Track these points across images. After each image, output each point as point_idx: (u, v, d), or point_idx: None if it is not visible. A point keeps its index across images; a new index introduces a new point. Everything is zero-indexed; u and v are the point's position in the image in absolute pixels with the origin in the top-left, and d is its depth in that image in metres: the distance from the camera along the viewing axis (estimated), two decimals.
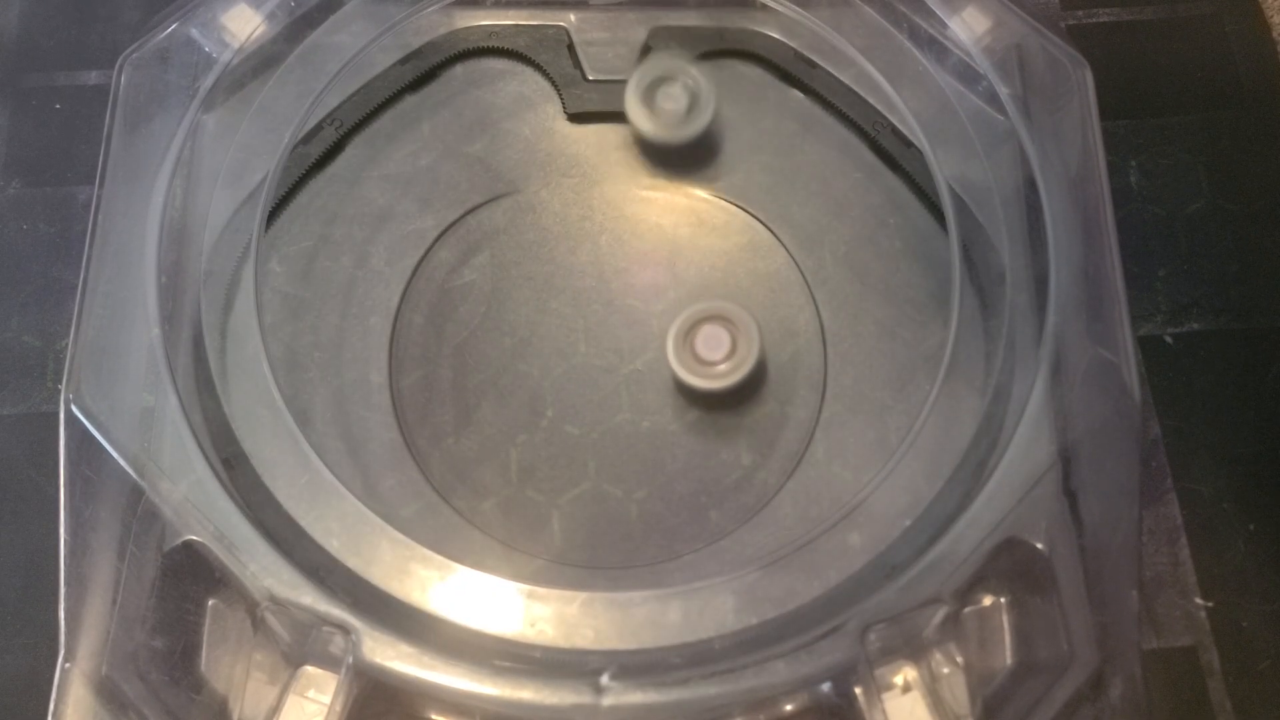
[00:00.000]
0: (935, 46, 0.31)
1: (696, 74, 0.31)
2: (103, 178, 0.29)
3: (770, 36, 0.33)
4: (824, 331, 0.31)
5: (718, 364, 0.29)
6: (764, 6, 0.33)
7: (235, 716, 0.26)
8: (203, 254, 0.29)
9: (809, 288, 0.31)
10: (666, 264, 0.31)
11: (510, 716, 0.25)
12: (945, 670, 0.26)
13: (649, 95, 0.31)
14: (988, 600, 0.27)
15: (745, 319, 0.29)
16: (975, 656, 0.26)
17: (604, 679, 0.24)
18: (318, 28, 0.31)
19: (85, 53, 0.35)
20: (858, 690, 0.25)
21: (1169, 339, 0.32)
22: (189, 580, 0.26)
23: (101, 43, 0.35)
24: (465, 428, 0.30)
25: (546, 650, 0.25)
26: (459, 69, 0.34)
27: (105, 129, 0.29)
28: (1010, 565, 0.26)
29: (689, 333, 0.29)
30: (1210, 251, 0.33)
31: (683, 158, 0.33)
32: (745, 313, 0.29)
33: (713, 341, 0.29)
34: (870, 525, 0.27)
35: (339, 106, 0.32)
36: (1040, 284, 0.29)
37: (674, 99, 0.31)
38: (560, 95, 0.33)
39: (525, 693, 0.24)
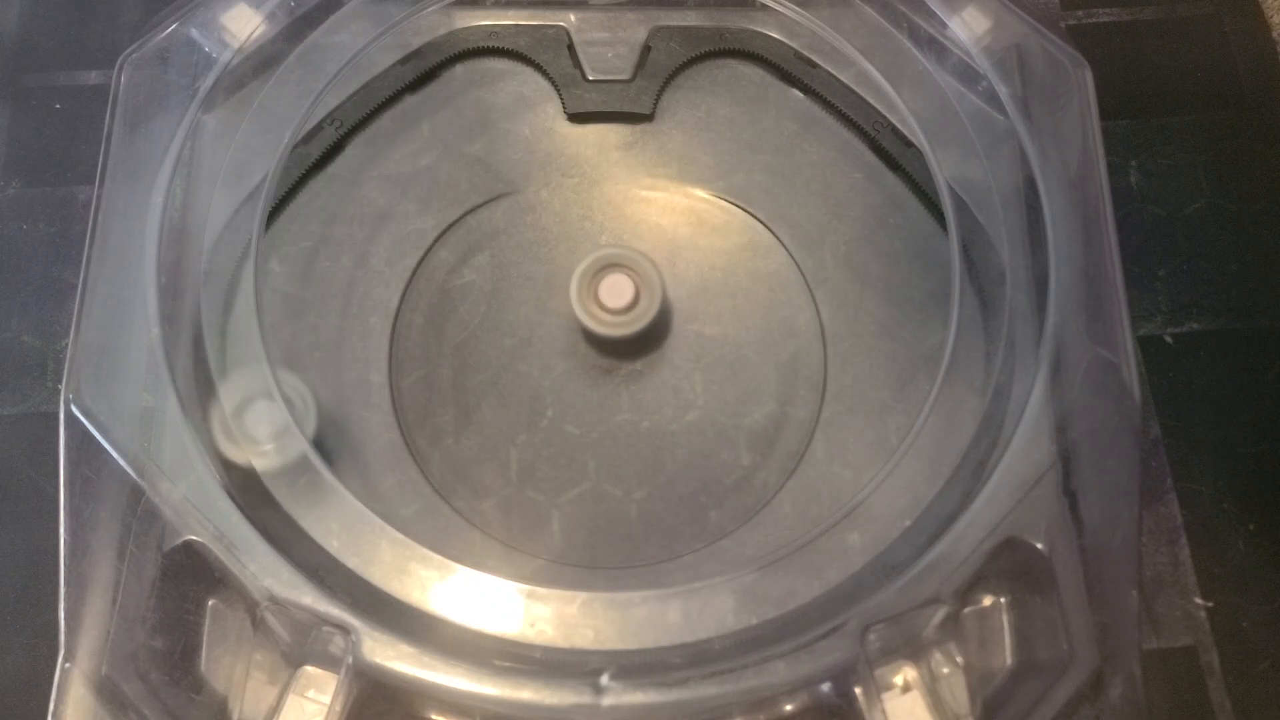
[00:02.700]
0: (935, 46, 0.31)
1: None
2: (103, 178, 0.29)
3: (770, 36, 0.33)
4: (824, 331, 0.31)
5: (621, 312, 0.29)
6: (764, 6, 0.33)
7: (235, 716, 0.26)
8: (203, 254, 0.29)
9: (809, 288, 0.31)
10: (667, 264, 0.31)
11: (510, 716, 0.25)
12: (945, 670, 0.26)
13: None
14: (988, 600, 0.27)
15: (647, 267, 0.29)
16: (975, 656, 0.26)
17: (604, 679, 0.24)
18: (318, 28, 0.31)
19: (85, 53, 0.35)
20: (858, 690, 0.25)
21: (1169, 339, 0.32)
22: (189, 580, 0.26)
23: (101, 43, 0.35)
24: (465, 428, 0.30)
25: (546, 650, 0.25)
26: (459, 69, 0.34)
27: (105, 129, 0.29)
28: (1010, 565, 0.26)
29: (593, 279, 0.29)
30: (1210, 251, 0.33)
31: (683, 158, 0.33)
32: (647, 260, 0.29)
33: (616, 290, 0.29)
34: (870, 525, 0.27)
35: (339, 106, 0.32)
36: (1040, 284, 0.29)
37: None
38: (560, 95, 0.33)
39: (525, 693, 0.24)
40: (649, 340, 0.30)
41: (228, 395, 0.27)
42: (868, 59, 0.31)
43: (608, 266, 0.29)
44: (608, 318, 0.29)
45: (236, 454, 0.27)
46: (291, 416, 0.27)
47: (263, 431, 0.27)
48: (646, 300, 0.29)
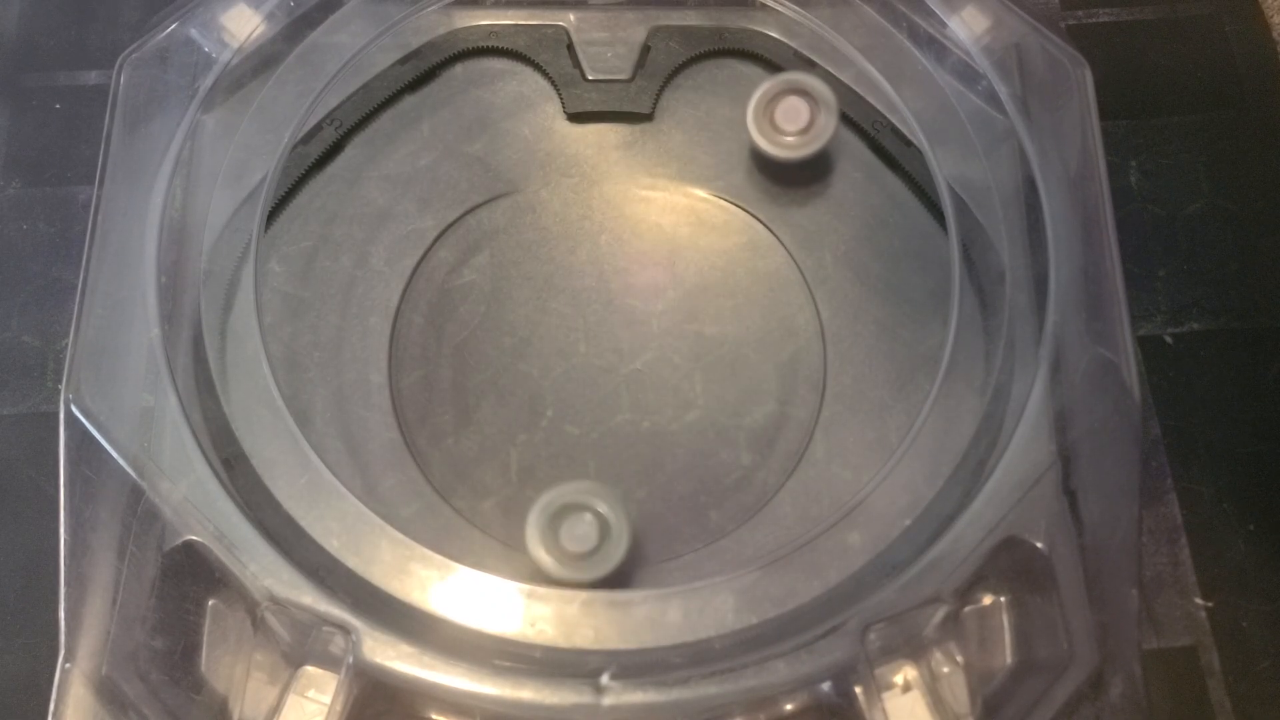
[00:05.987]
0: (935, 46, 0.31)
1: (607, 506, 0.27)
2: (103, 178, 0.29)
3: (770, 36, 0.33)
4: (824, 331, 0.31)
5: (793, 134, 0.30)
6: (764, 6, 0.33)
7: (235, 716, 0.26)
8: (203, 254, 0.29)
9: (809, 288, 0.31)
10: (666, 264, 0.31)
11: (510, 716, 0.25)
12: (945, 669, 0.26)
13: (552, 526, 0.27)
14: (988, 599, 0.27)
15: (825, 92, 0.30)
16: (975, 656, 0.26)
17: (604, 679, 0.24)
18: (317, 28, 0.31)
19: (85, 53, 0.35)
20: (858, 689, 0.25)
21: (1169, 339, 0.32)
22: (189, 580, 0.26)
23: (101, 43, 0.35)
24: (465, 428, 0.30)
25: (546, 650, 0.25)
26: (459, 69, 0.34)
27: (105, 129, 0.29)
28: (1010, 564, 0.26)
29: (769, 104, 0.30)
30: (1210, 251, 0.33)
31: (683, 158, 0.33)
32: (824, 86, 0.30)
33: (791, 113, 0.30)
34: (870, 525, 0.27)
35: (339, 106, 0.32)
36: (1040, 284, 0.29)
37: (580, 537, 0.26)
38: (560, 95, 0.33)
39: (525, 693, 0.24)
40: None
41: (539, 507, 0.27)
42: (868, 59, 0.31)
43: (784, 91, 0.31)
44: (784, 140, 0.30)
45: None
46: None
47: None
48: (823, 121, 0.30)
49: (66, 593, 0.25)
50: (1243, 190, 0.33)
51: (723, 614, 0.26)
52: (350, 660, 0.25)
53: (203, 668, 0.26)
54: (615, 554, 0.26)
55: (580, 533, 0.26)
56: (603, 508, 0.27)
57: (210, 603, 0.27)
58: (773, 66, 0.33)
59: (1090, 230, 0.29)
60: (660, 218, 0.32)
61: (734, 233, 0.32)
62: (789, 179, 0.32)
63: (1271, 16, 0.36)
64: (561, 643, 0.25)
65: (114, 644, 0.25)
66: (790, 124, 0.30)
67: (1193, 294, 0.32)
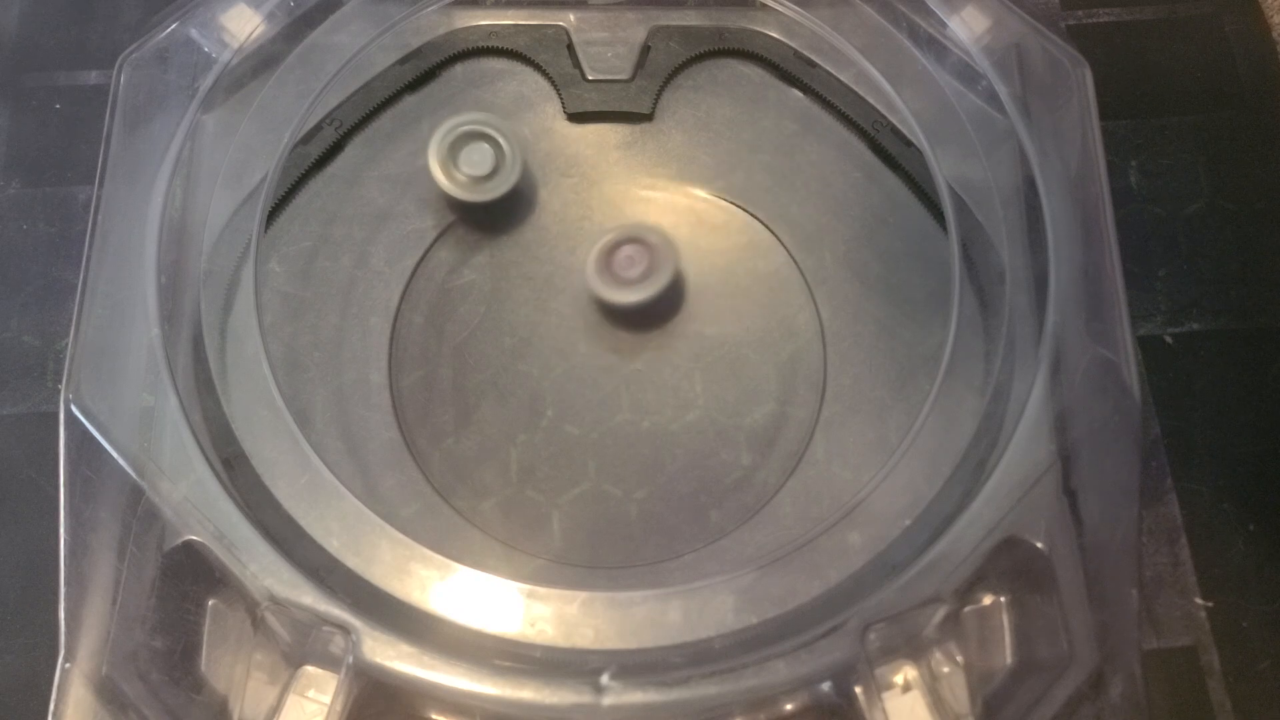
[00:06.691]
0: (935, 46, 0.31)
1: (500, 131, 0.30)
2: (103, 178, 0.29)
3: (770, 36, 0.33)
4: (824, 331, 0.31)
5: (634, 281, 0.30)
6: (764, 6, 0.33)
7: (235, 716, 0.26)
8: (203, 254, 0.29)
9: (809, 288, 0.31)
10: None
11: (510, 716, 0.25)
12: (945, 669, 0.26)
13: (452, 153, 0.31)
14: (988, 599, 0.27)
15: (662, 240, 0.30)
16: (975, 655, 0.26)
17: (604, 678, 0.24)
18: (317, 28, 0.31)
19: (85, 53, 0.35)
20: (858, 689, 0.25)
21: (1169, 339, 0.32)
22: (189, 580, 0.26)
23: (101, 43, 0.35)
24: (465, 428, 0.30)
25: (546, 650, 0.25)
26: (459, 69, 0.34)
27: (105, 129, 0.29)
28: (1010, 564, 0.26)
29: (610, 254, 0.30)
30: (1210, 251, 0.33)
31: (683, 158, 0.33)
32: (661, 235, 0.30)
33: (628, 261, 0.30)
34: (870, 525, 0.27)
35: (339, 106, 0.32)
36: (1040, 284, 0.29)
37: (476, 162, 0.30)
38: (560, 95, 0.33)
39: (525, 692, 0.24)
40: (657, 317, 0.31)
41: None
42: (867, 59, 0.31)
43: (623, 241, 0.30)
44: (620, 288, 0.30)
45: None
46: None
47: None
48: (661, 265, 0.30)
49: (66, 593, 0.25)
50: (1243, 190, 0.33)
51: (723, 614, 0.26)
52: (350, 660, 0.25)
53: (203, 668, 0.26)
54: (509, 178, 0.30)
55: (477, 159, 0.30)
56: (499, 138, 0.30)
57: (210, 603, 0.27)
58: (773, 66, 0.33)
59: (1090, 230, 0.29)
60: (660, 218, 0.32)
61: (734, 233, 0.32)
62: (789, 179, 0.32)
63: (1271, 16, 0.36)
64: (561, 643, 0.25)
65: (114, 644, 0.25)
66: (629, 271, 0.30)
67: (1193, 294, 0.32)
